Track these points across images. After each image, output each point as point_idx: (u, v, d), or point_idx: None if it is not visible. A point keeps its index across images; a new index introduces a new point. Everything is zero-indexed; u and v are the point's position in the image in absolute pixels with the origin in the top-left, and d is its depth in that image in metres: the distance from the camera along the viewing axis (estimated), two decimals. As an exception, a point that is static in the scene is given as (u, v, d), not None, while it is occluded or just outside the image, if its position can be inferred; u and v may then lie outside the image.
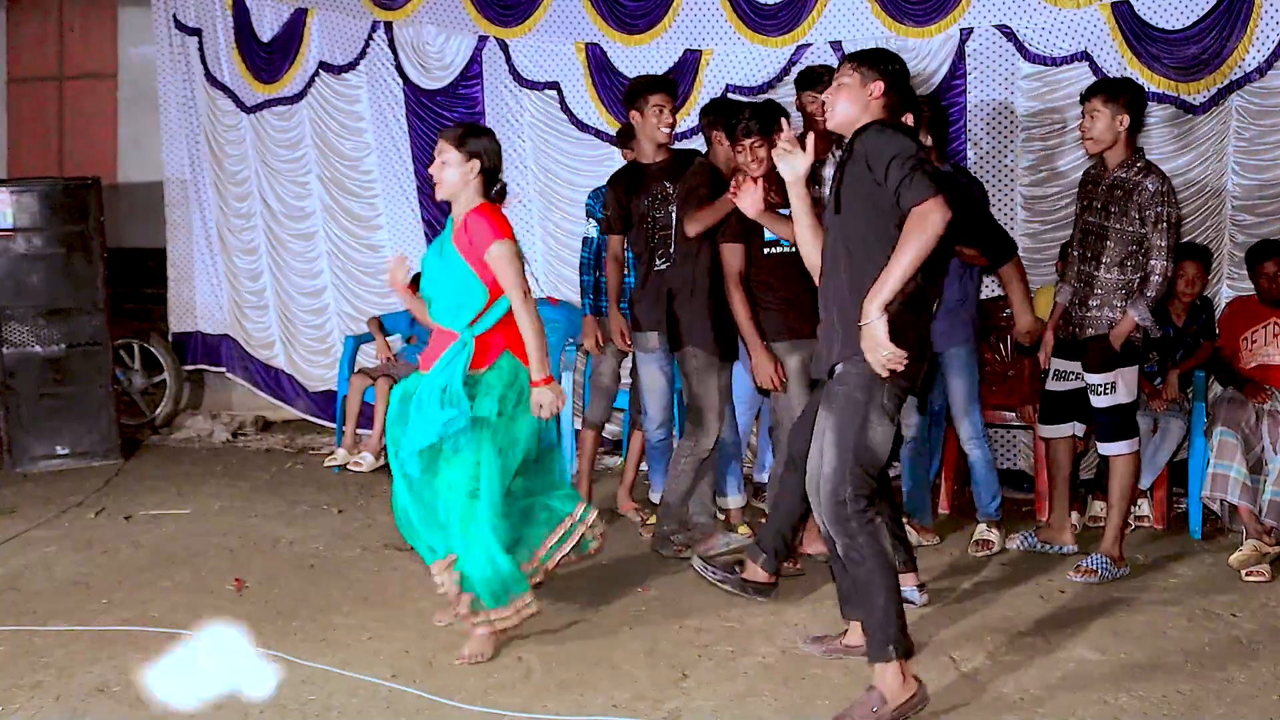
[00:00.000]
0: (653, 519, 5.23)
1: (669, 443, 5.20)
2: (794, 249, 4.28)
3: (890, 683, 3.36)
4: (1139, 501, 5.35)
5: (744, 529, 5.15)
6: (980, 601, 4.40)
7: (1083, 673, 3.75)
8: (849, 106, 3.51)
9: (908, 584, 4.22)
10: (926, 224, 3.27)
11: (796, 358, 4.58)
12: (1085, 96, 4.63)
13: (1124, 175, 4.58)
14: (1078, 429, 4.99)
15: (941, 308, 4.80)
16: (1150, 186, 4.51)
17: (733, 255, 4.61)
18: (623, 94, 6.34)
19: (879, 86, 3.50)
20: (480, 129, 4.09)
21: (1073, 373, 4.82)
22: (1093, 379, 4.68)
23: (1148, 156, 4.78)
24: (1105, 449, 4.76)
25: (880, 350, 3.29)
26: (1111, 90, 4.58)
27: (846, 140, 3.54)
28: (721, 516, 5.24)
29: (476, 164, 3.90)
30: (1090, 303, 4.68)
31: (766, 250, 4.62)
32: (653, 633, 4.10)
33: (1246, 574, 4.64)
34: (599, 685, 3.66)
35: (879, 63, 3.53)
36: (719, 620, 4.20)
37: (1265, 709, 3.51)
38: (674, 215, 4.88)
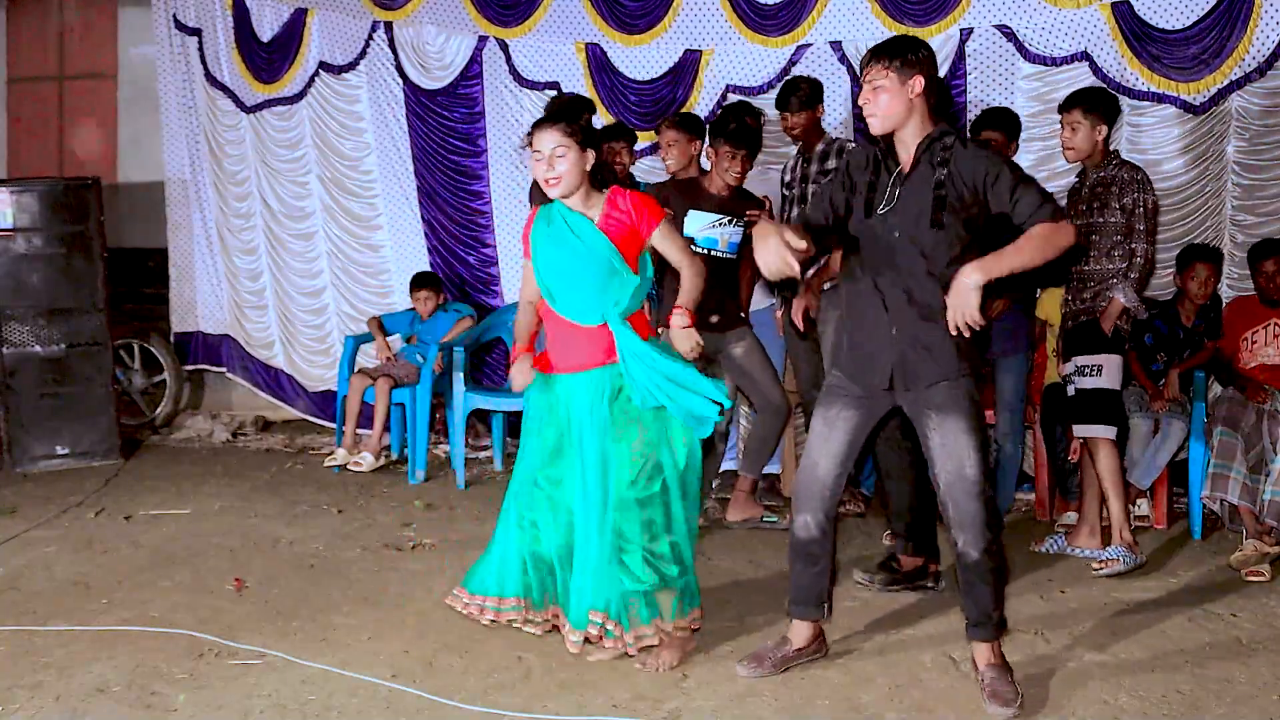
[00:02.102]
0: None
1: None
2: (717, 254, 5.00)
3: (993, 656, 3.58)
4: (1138, 501, 5.36)
5: None
6: (980, 601, 4.40)
7: (1083, 673, 3.75)
8: (893, 108, 3.46)
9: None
10: (1058, 239, 3.34)
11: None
12: (1064, 108, 4.75)
13: (1101, 174, 4.74)
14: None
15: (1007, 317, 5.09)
16: (1125, 176, 4.69)
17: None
18: (621, 95, 6.39)
19: (919, 82, 3.45)
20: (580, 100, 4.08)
21: (1075, 370, 4.83)
22: (1080, 360, 4.75)
23: (1148, 156, 4.84)
24: (1083, 430, 4.77)
25: (970, 310, 3.31)
26: (1089, 102, 4.72)
27: (918, 150, 3.48)
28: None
29: (591, 152, 3.78)
30: (1084, 294, 4.78)
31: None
32: (653, 633, 4.10)
33: (1246, 574, 4.64)
34: (599, 685, 3.66)
35: (912, 54, 3.47)
36: (719, 620, 4.20)
37: (1265, 709, 3.51)
38: None
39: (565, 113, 3.79)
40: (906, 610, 4.31)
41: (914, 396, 3.55)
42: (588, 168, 3.76)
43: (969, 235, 3.47)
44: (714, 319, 5.07)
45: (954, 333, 3.39)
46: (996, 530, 3.54)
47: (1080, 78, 5.65)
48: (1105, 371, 4.71)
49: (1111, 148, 4.84)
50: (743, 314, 5.34)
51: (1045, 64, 5.74)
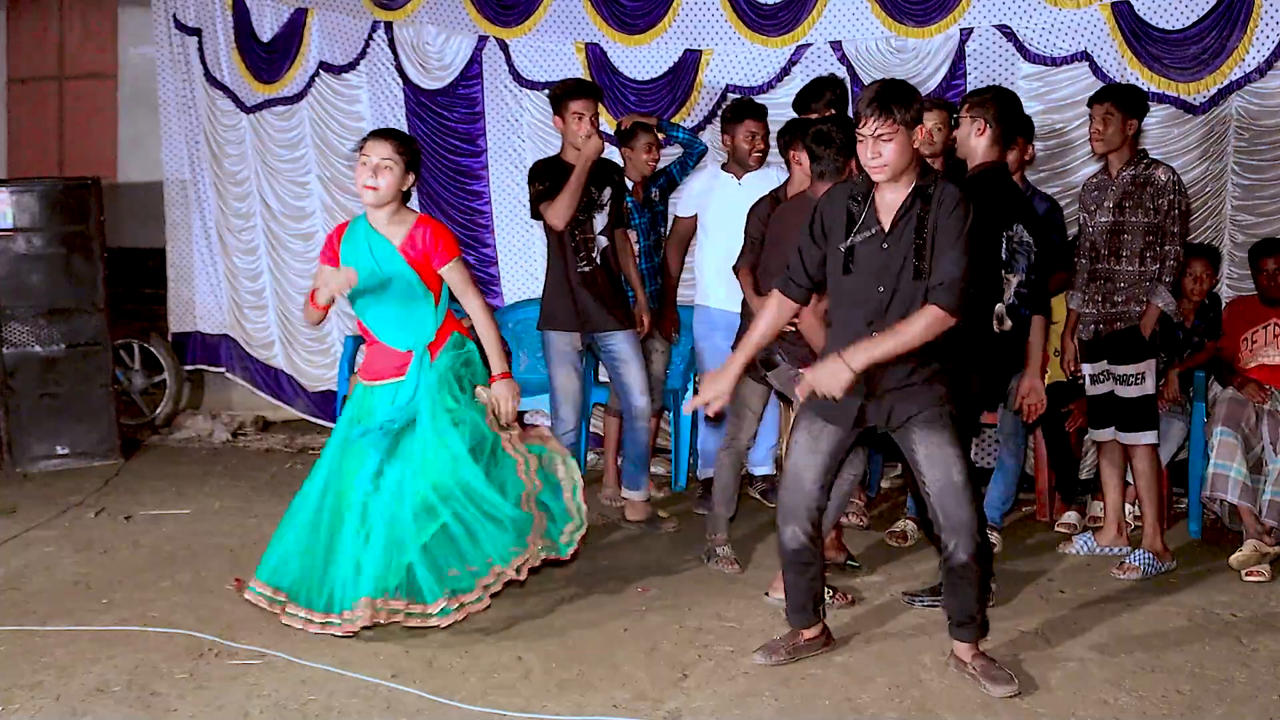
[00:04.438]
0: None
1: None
2: None
3: (975, 650, 3.70)
4: (1136, 502, 5.35)
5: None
6: (980, 601, 4.40)
7: (1083, 673, 3.75)
8: (901, 160, 3.49)
9: None
10: (937, 328, 3.46)
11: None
12: (1097, 100, 4.76)
13: (1133, 172, 4.72)
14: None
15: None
16: (1162, 177, 4.68)
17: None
18: (621, 94, 6.39)
19: (921, 130, 3.55)
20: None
21: (1104, 373, 4.83)
22: (1123, 370, 4.74)
23: (1149, 156, 4.84)
24: (1130, 439, 4.77)
25: (830, 390, 3.48)
26: (1121, 97, 4.75)
27: (905, 202, 3.52)
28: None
29: (412, 175, 4.06)
30: (1116, 298, 4.76)
31: None
32: (653, 633, 4.10)
33: (1246, 574, 4.64)
34: (599, 685, 3.66)
35: (918, 106, 3.55)
36: (719, 620, 4.20)
37: (1265, 709, 3.51)
38: (595, 219, 5.15)
39: (396, 134, 4.23)
40: (907, 610, 4.31)
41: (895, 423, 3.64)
42: (404, 188, 4.07)
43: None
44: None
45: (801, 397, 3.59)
46: (984, 534, 3.62)
47: (1080, 78, 5.66)
48: (1147, 378, 4.74)
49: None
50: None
51: (1045, 64, 5.73)
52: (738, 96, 6.05)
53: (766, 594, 4.44)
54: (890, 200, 3.55)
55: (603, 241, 5.17)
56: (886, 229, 3.53)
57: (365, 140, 4.09)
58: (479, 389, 4.17)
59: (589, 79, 6.40)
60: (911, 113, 3.49)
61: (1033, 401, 4.55)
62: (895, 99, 3.49)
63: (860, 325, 3.56)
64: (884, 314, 3.54)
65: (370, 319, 4.13)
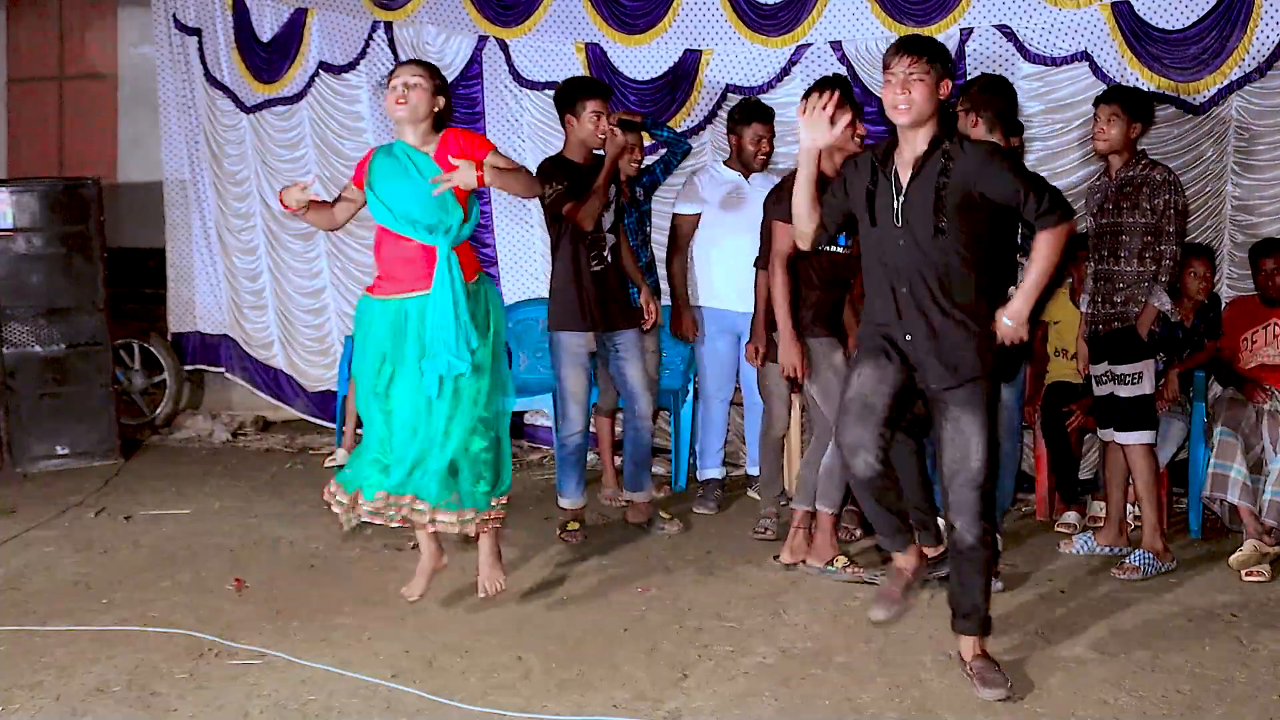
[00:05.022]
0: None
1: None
2: (845, 251, 4.57)
3: (979, 649, 3.68)
4: (1137, 502, 5.35)
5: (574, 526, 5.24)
6: (980, 601, 4.39)
7: (1083, 673, 3.75)
8: (927, 104, 3.47)
9: None
10: (1060, 242, 3.48)
11: (839, 355, 4.66)
12: (1104, 100, 4.79)
13: (1131, 173, 4.73)
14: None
15: None
16: (1159, 177, 4.70)
17: (784, 235, 4.52)
18: (620, 95, 6.37)
19: (948, 85, 3.52)
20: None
21: (1105, 373, 4.83)
22: (1121, 369, 4.74)
23: (1149, 156, 4.84)
24: (1126, 438, 4.77)
25: (1022, 331, 3.53)
26: (1128, 100, 4.77)
27: (924, 154, 3.50)
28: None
29: (441, 99, 4.20)
30: (1115, 298, 4.77)
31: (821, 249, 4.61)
32: (653, 633, 4.10)
33: (1246, 574, 4.64)
34: (599, 685, 3.66)
35: (949, 59, 3.55)
36: (719, 620, 4.20)
37: (1265, 709, 3.51)
38: (604, 217, 5.10)
39: (421, 61, 4.42)
40: (907, 610, 4.31)
41: (934, 388, 3.60)
42: (436, 110, 4.16)
43: (978, 235, 3.51)
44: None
45: (1016, 340, 3.56)
46: (992, 523, 3.62)
47: (1080, 78, 5.65)
48: (1145, 377, 4.74)
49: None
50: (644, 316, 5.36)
51: (1045, 64, 5.73)
52: (738, 97, 6.05)
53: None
54: (908, 157, 3.54)
55: (611, 239, 5.15)
56: (905, 184, 3.52)
57: (391, 71, 4.25)
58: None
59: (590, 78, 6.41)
60: (942, 61, 3.49)
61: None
62: (931, 48, 3.50)
63: (886, 287, 3.57)
64: (908, 272, 3.53)
65: (399, 220, 4.13)
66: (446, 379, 4.07)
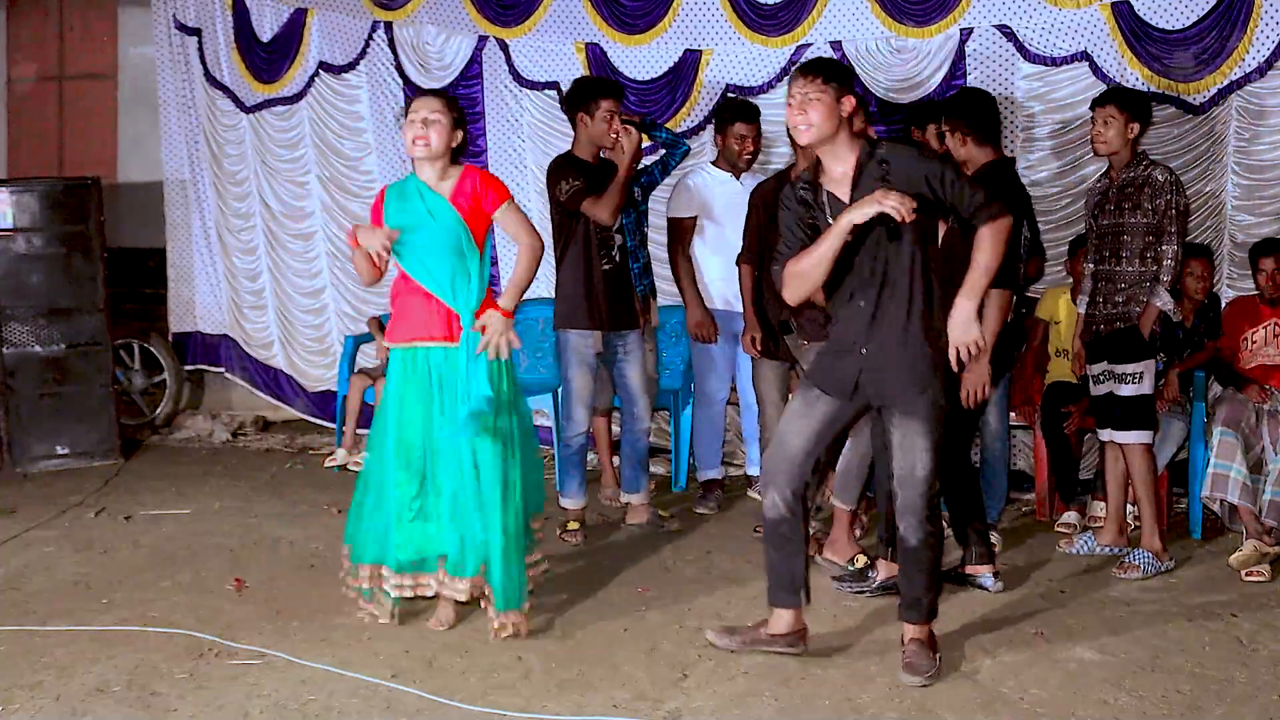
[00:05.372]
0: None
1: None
2: None
3: (919, 634, 3.73)
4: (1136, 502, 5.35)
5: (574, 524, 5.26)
6: (980, 602, 4.40)
7: (1083, 673, 3.75)
8: (826, 123, 3.54)
9: (985, 573, 4.51)
10: (1004, 233, 3.51)
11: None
12: (1100, 103, 4.80)
13: (1132, 174, 4.74)
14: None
15: None
16: (1160, 177, 4.70)
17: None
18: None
19: (850, 102, 3.59)
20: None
21: (1105, 373, 4.83)
22: (1123, 369, 4.75)
23: (1149, 156, 4.85)
24: (1125, 438, 4.77)
25: (973, 337, 3.52)
26: (1124, 100, 4.77)
27: (856, 169, 3.55)
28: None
29: (460, 133, 4.11)
30: (1116, 298, 4.78)
31: None
32: (653, 633, 4.10)
33: (1246, 574, 4.65)
34: (599, 685, 3.66)
35: (845, 75, 3.64)
36: (719, 620, 4.20)
37: (1265, 709, 3.51)
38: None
39: (441, 92, 4.30)
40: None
41: (886, 397, 3.67)
42: (454, 144, 4.08)
43: (929, 237, 3.58)
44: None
45: (954, 361, 3.57)
46: (937, 525, 3.71)
47: (1080, 78, 5.65)
48: (1145, 378, 4.75)
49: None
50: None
51: (1045, 64, 5.73)
52: (738, 97, 6.05)
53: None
54: (838, 175, 3.59)
55: (619, 239, 5.15)
56: (847, 199, 3.56)
57: (410, 101, 4.18)
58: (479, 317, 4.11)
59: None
60: (838, 79, 3.56)
61: (973, 385, 4.30)
62: (824, 67, 3.60)
63: (844, 299, 3.63)
64: (872, 278, 3.57)
65: (415, 266, 4.06)
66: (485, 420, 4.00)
